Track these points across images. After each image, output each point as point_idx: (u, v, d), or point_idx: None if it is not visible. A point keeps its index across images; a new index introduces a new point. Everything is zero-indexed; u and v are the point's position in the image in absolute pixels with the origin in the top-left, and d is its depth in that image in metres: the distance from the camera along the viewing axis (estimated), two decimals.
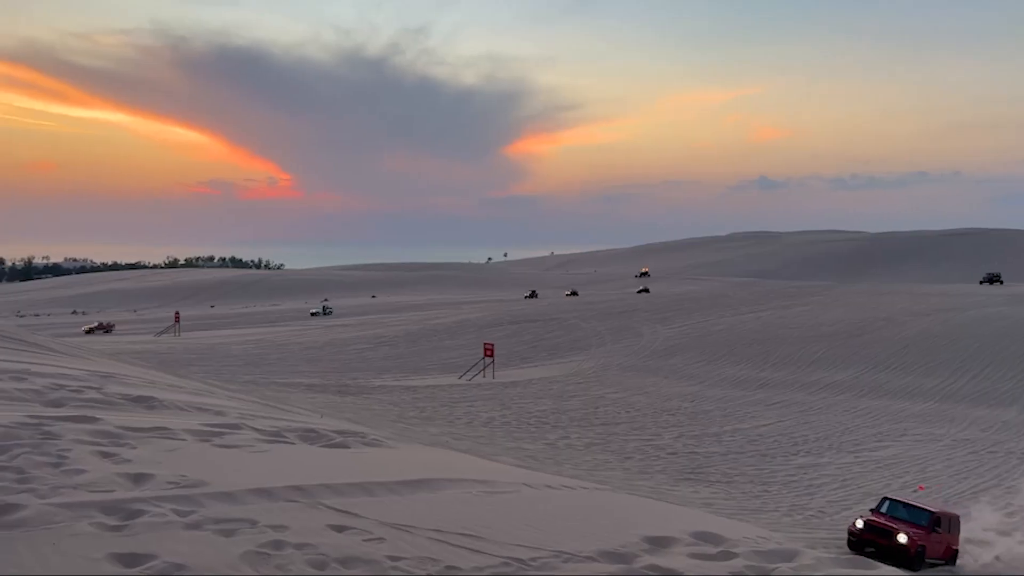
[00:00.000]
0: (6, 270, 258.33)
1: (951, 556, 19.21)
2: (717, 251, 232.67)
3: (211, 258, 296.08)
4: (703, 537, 5.34)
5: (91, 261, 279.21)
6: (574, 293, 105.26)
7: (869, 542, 17.73)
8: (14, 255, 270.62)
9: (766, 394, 38.97)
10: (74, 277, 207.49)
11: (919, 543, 17.78)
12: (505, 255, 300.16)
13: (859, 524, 18.22)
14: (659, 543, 5.03)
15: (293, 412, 12.04)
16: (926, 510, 18.95)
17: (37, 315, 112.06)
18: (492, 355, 42.70)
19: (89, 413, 6.24)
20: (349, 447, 6.93)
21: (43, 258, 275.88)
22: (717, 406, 35.64)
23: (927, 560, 18.26)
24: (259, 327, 77.53)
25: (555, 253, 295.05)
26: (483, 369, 42.71)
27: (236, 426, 6.97)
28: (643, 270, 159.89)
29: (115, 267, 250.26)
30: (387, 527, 4.45)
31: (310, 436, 7.20)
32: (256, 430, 6.97)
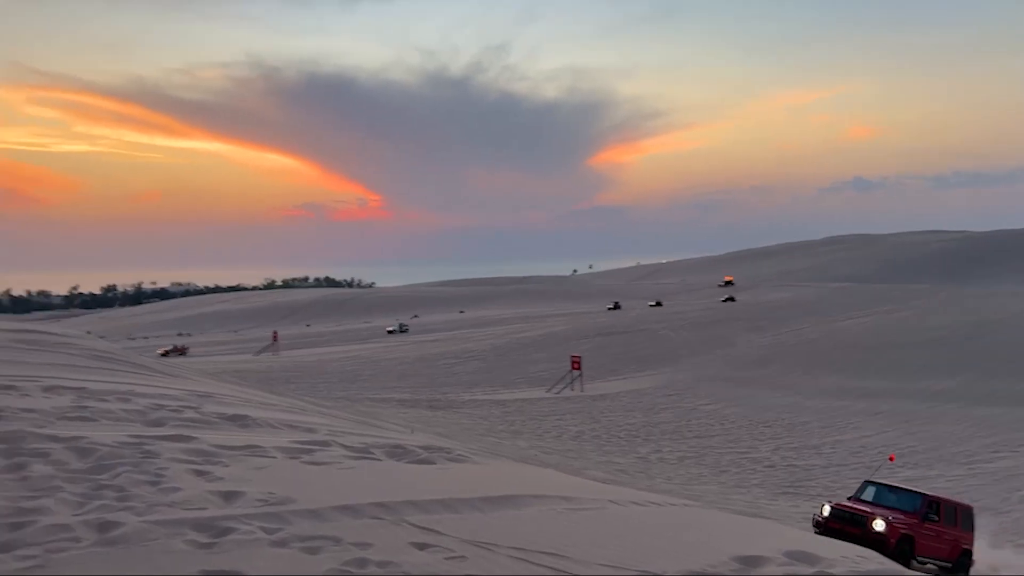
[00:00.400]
0: (118, 296, 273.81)
1: (960, 558, 15.57)
2: (812, 256, 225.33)
3: (306, 278, 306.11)
4: (798, 556, 5.11)
5: (194, 285, 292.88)
6: (658, 304, 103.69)
7: (838, 533, 13.96)
8: (125, 281, 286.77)
9: (868, 404, 37.33)
10: (179, 300, 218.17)
11: (903, 532, 14.45)
12: (590, 267, 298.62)
13: (826, 511, 14.91)
14: (750, 563, 4.84)
15: (383, 428, 12.24)
16: (918, 493, 15.72)
17: (146, 337, 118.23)
18: (579, 368, 42.47)
19: (186, 432, 6.49)
20: (434, 463, 6.97)
21: (151, 283, 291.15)
22: (816, 417, 34.37)
23: (923, 559, 14.86)
24: (353, 344, 79.54)
25: (642, 263, 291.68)
26: (571, 382, 42.51)
27: (325, 443, 7.12)
28: (727, 279, 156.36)
29: (216, 290, 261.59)
30: (469, 545, 4.43)
31: (397, 452, 7.28)
32: (344, 447, 7.09)
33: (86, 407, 7.15)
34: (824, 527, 14.66)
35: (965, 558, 15.78)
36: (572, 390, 41.50)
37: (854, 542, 13.65)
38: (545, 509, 5.63)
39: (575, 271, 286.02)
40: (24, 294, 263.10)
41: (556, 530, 5.12)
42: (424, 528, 4.64)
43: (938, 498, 15.98)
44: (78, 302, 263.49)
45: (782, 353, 50.88)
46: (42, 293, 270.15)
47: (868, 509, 14.85)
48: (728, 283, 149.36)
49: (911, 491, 15.87)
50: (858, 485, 17.62)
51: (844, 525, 14.54)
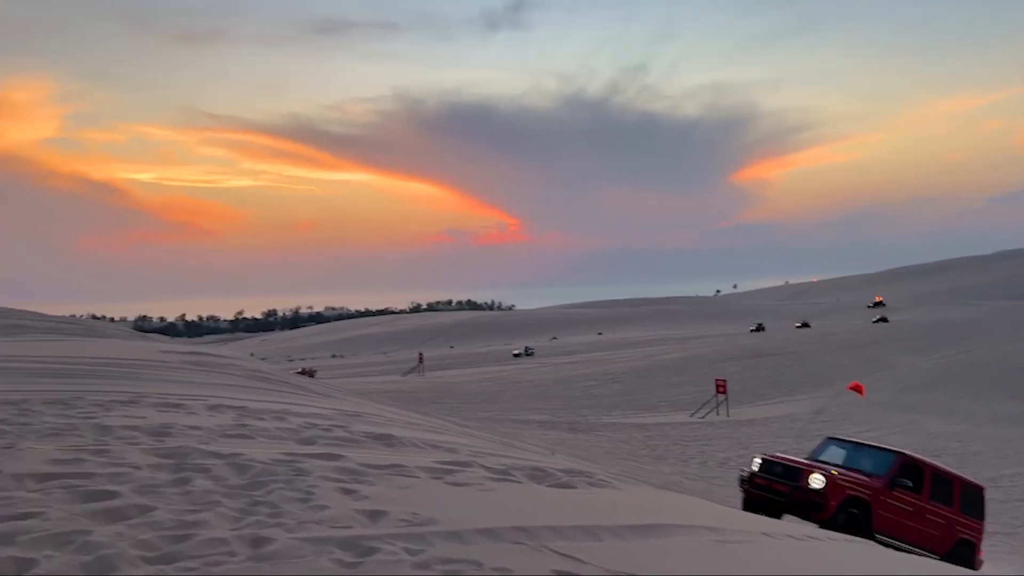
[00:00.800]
0: (278, 320, 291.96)
1: (955, 549, 11.85)
2: (981, 272, 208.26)
3: (449, 302, 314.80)
4: None
5: (347, 309, 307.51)
6: (805, 325, 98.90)
7: (765, 492, 11.26)
8: (284, 306, 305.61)
9: None
10: (333, 324, 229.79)
11: (852, 494, 10.89)
12: (735, 287, 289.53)
13: (755, 464, 11.91)
14: None
15: (523, 450, 12.22)
16: (892, 451, 12.10)
17: (304, 359, 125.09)
18: (725, 391, 41.00)
19: (335, 451, 6.69)
20: (575, 487, 6.83)
21: (308, 308, 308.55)
22: (990, 446, 31.45)
23: (888, 539, 11.15)
24: (493, 365, 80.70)
25: (790, 282, 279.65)
26: (716, 406, 41.11)
27: (467, 463, 7.14)
28: (876, 299, 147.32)
29: (367, 313, 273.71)
30: (612, 575, 4.27)
31: (537, 475, 7.20)
32: (486, 468, 7.09)
33: (245, 425, 7.54)
34: (750, 485, 11.80)
35: (963, 551, 12.04)
36: (717, 414, 40.11)
37: (782, 508, 10.94)
38: (692, 540, 5.36)
39: (718, 291, 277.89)
40: (196, 319, 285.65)
41: (704, 563, 4.86)
42: (565, 555, 4.52)
43: (923, 462, 12.06)
44: (243, 326, 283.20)
45: (949, 376, 47.07)
46: (211, 318, 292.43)
47: (807, 462, 11.58)
48: (878, 304, 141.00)
49: (884, 448, 12.38)
50: None
51: (771, 482, 11.30)
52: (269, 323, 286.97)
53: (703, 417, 39.78)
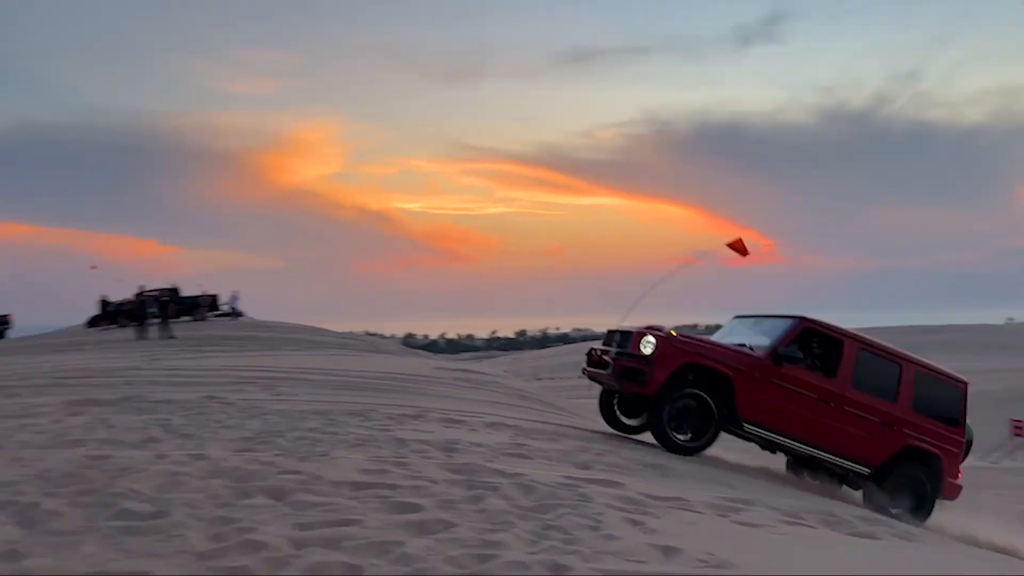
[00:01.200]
0: (528, 339, 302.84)
1: (902, 463, 8.70)
2: None
3: (695, 325, 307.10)
4: None
5: (591, 330, 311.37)
6: None
7: (598, 368, 9.00)
8: (534, 326, 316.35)
9: None
10: (579, 345, 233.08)
11: (697, 362, 8.22)
12: None
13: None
14: None
15: (799, 489, 11.37)
16: (792, 317, 8.95)
17: (552, 378, 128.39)
18: (1023, 434, 35.72)
19: (612, 477, 6.58)
20: (879, 538, 6.13)
21: (555, 328, 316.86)
22: None
23: (767, 434, 8.49)
24: None
25: None
26: (1011, 450, 35.93)
27: (750, 501, 6.70)
28: None
29: None
30: None
31: (830, 520, 6.58)
32: (771, 508, 6.61)
33: (522, 444, 7.70)
34: (587, 362, 9.55)
35: (915, 467, 8.84)
36: (1014, 460, 35.05)
37: (613, 385, 8.92)
38: None
39: (1010, 319, 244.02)
40: (455, 337, 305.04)
41: None
42: None
43: (842, 332, 8.82)
44: (496, 344, 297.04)
45: None
46: (468, 336, 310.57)
47: (652, 326, 8.70)
48: None
49: (785, 315, 9.24)
50: None
51: (604, 354, 9.00)
52: (520, 342, 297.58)
53: (995, 462, 34.94)
